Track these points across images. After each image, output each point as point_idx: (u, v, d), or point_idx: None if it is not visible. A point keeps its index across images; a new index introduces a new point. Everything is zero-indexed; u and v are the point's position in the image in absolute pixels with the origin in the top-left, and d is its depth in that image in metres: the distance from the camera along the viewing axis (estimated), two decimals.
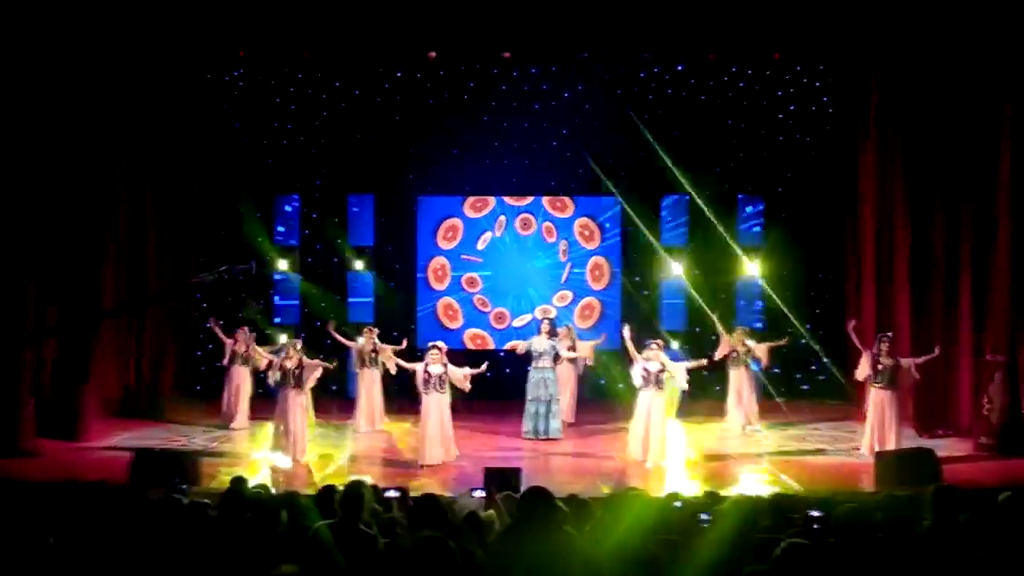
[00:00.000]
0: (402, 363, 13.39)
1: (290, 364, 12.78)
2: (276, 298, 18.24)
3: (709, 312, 15.91)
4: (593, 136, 17.78)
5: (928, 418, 14.11)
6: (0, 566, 5.30)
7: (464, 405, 13.59)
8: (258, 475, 11.59)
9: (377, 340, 14.95)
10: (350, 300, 18.17)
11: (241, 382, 15.06)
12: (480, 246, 18.43)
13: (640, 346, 12.97)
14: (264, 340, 15.17)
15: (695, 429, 15.11)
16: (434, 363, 12.65)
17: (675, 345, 17.31)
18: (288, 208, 18.32)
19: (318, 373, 12.98)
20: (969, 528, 6.06)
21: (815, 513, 6.67)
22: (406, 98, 17.75)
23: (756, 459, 13.14)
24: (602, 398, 16.21)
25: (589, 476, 12.16)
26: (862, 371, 12.95)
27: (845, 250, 17.31)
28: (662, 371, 12.67)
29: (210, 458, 12.42)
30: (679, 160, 17.83)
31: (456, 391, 12.95)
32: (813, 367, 18.02)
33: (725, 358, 15.28)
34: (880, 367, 12.67)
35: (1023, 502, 6.48)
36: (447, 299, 18.48)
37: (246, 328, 15.20)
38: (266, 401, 13.77)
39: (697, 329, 17.73)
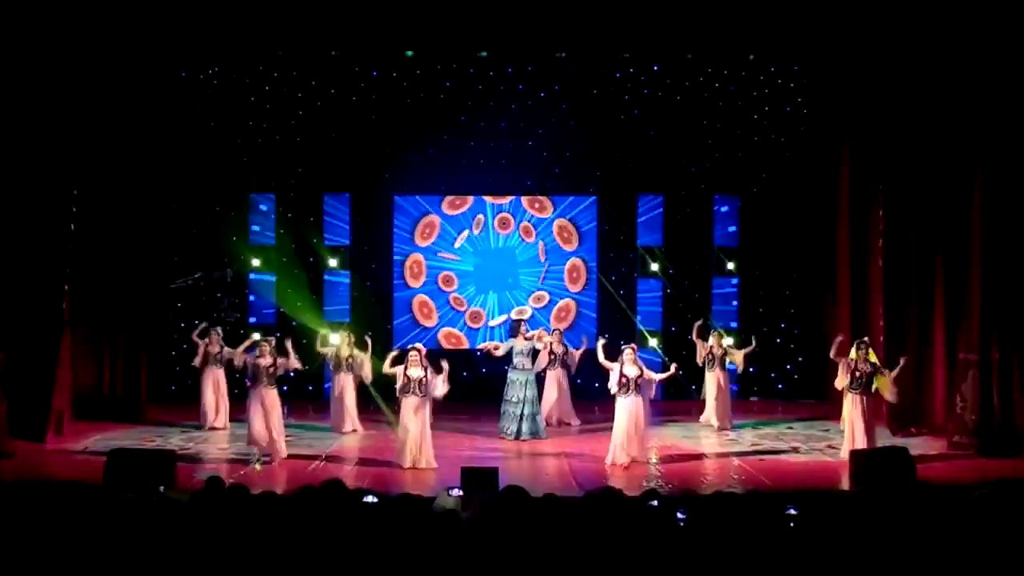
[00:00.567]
0: (386, 370, 13.17)
1: (264, 362, 12.77)
2: (251, 297, 18.15)
3: (702, 320, 15.90)
4: (570, 136, 17.84)
5: (902, 417, 14.20)
6: None
7: (441, 406, 13.53)
8: (235, 474, 11.55)
9: (354, 348, 14.90)
10: (326, 299, 18.13)
11: (217, 383, 15.00)
12: (457, 244, 18.42)
13: (613, 354, 12.96)
14: (237, 340, 15.08)
15: (671, 429, 15.17)
16: (413, 366, 12.57)
17: (653, 343, 17.42)
18: (263, 207, 18.24)
19: (294, 365, 13.03)
20: (942, 525, 6.10)
21: (791, 511, 6.69)
22: (382, 97, 17.71)
23: (732, 458, 13.18)
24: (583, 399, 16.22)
25: (566, 476, 12.17)
26: (841, 380, 12.87)
27: (820, 249, 17.40)
28: (640, 376, 12.64)
29: (186, 458, 12.37)
30: (655, 159, 17.93)
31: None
32: (788, 367, 18.16)
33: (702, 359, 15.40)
34: (858, 374, 12.70)
35: (996, 499, 6.53)
36: (422, 296, 18.45)
37: (218, 329, 15.17)
38: (242, 402, 13.70)
39: (673, 328, 17.83)
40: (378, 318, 17.75)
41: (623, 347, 12.91)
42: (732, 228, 18.38)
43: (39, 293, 14.01)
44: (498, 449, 13.69)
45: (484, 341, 17.54)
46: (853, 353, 12.68)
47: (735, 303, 18.33)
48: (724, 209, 18.37)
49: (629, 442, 12.53)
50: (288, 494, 8.06)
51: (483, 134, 17.94)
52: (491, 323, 18.32)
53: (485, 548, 5.39)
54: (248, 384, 12.91)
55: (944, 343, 13.91)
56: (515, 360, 14.54)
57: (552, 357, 15.16)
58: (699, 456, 13.52)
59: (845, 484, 11.42)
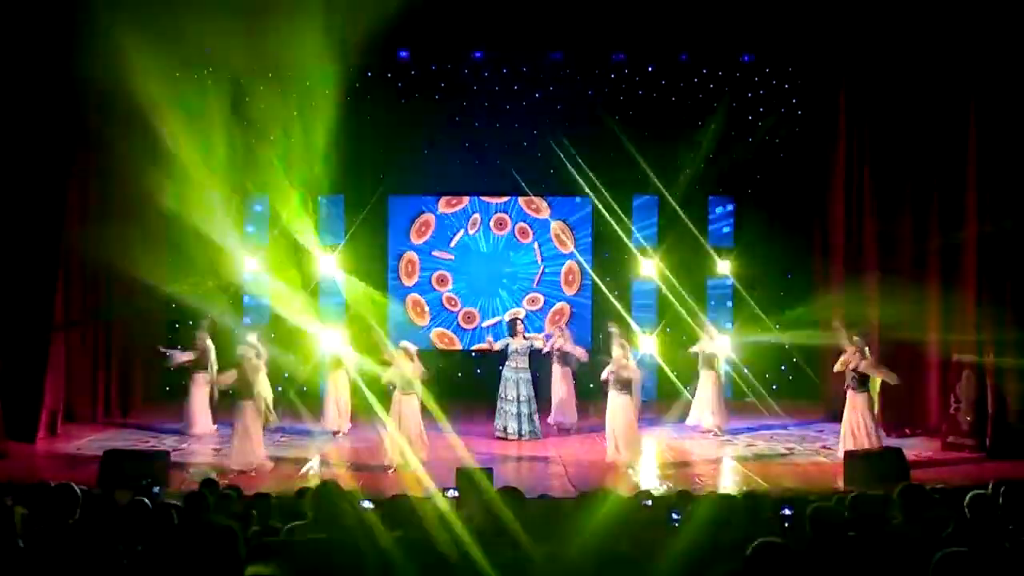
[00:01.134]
0: (380, 373, 13.20)
1: (246, 366, 12.75)
2: (245, 298, 18.12)
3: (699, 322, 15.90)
4: (564, 136, 17.82)
5: (896, 417, 14.22)
6: None
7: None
8: (229, 476, 11.53)
9: (344, 345, 14.91)
10: (320, 300, 18.10)
11: (203, 388, 14.90)
12: (452, 243, 18.40)
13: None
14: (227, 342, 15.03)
15: (666, 429, 15.17)
16: (401, 363, 12.60)
17: (649, 343, 17.39)
18: (258, 208, 18.20)
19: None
20: (936, 526, 6.11)
21: (786, 511, 6.71)
22: (376, 98, 17.68)
23: (727, 459, 13.19)
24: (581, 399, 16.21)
25: (560, 477, 12.17)
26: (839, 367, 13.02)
27: (815, 250, 17.41)
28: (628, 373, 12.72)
29: (179, 460, 12.35)
30: (650, 160, 17.91)
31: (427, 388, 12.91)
32: (782, 367, 18.17)
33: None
34: (853, 372, 12.76)
35: (990, 500, 6.54)
36: (415, 295, 18.43)
37: (204, 334, 15.10)
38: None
39: (668, 329, 17.82)
40: (373, 318, 17.72)
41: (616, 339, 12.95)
42: (727, 229, 18.37)
43: (31, 294, 13.98)
44: (493, 449, 13.68)
45: (476, 342, 17.56)
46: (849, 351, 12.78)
47: (729, 304, 18.34)
48: (719, 210, 18.37)
49: (620, 439, 12.58)
50: (282, 496, 8.07)
51: (478, 135, 17.93)
52: (484, 324, 18.29)
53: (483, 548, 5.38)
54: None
55: (938, 344, 13.92)
56: (511, 359, 14.53)
57: (559, 353, 15.18)
58: (693, 456, 13.53)
59: (840, 485, 11.41)
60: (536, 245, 18.42)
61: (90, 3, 13.94)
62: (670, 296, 17.85)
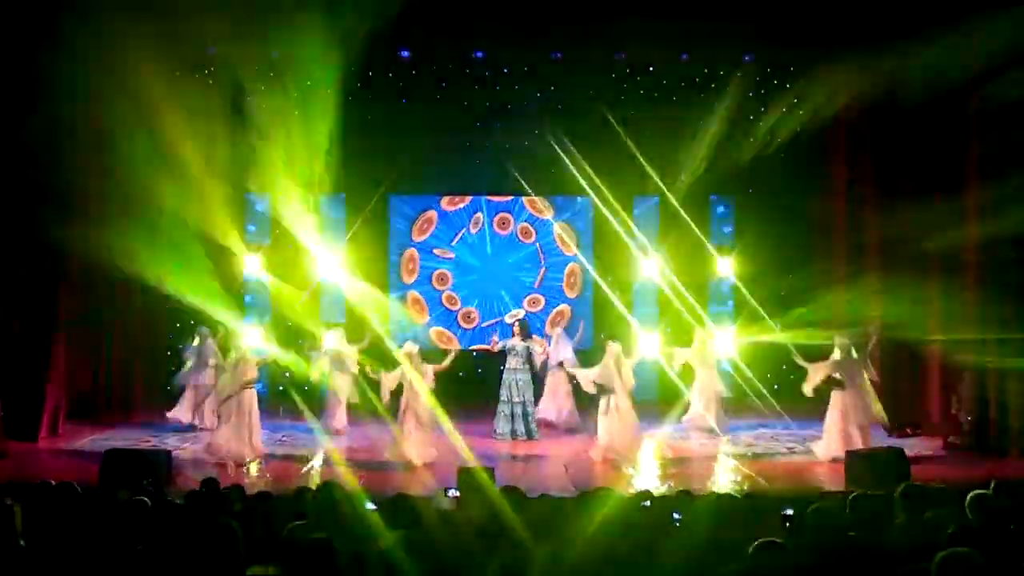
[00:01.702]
0: (383, 380, 13.25)
1: (251, 376, 12.83)
2: (247, 298, 18.12)
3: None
4: (565, 136, 17.82)
5: (898, 418, 14.22)
6: None
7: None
8: (229, 476, 11.53)
9: (345, 343, 14.93)
10: (321, 300, 18.10)
11: (207, 384, 14.93)
12: (454, 242, 18.39)
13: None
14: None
15: (666, 429, 15.17)
16: (409, 365, 12.64)
17: (649, 342, 17.38)
18: (259, 207, 18.20)
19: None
20: (938, 526, 6.11)
21: (788, 512, 6.71)
22: (377, 97, 17.69)
23: (727, 459, 13.19)
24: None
25: (561, 476, 12.17)
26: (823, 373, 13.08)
27: (815, 250, 17.39)
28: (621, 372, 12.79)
29: (181, 459, 12.36)
30: (651, 160, 17.91)
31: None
32: (783, 367, 18.14)
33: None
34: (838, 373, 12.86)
35: (991, 500, 6.54)
36: (415, 293, 18.42)
37: (207, 330, 15.11)
38: None
39: (669, 329, 17.81)
40: (374, 318, 17.74)
41: (608, 344, 12.96)
42: (728, 229, 18.36)
43: (33, 294, 13.99)
44: (494, 449, 13.68)
45: (475, 342, 17.57)
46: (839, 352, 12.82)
47: (730, 304, 18.33)
48: (720, 210, 18.35)
49: (614, 438, 12.60)
50: (283, 495, 8.07)
51: (479, 135, 17.93)
52: (483, 324, 18.29)
53: (482, 548, 5.39)
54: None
55: (940, 344, 13.91)
56: (511, 360, 14.54)
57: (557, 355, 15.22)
58: (693, 457, 13.53)
59: (841, 485, 11.40)
60: (539, 246, 18.40)
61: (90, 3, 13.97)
62: (671, 296, 17.86)
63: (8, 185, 13.75)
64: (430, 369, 12.92)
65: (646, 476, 12.19)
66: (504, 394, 14.40)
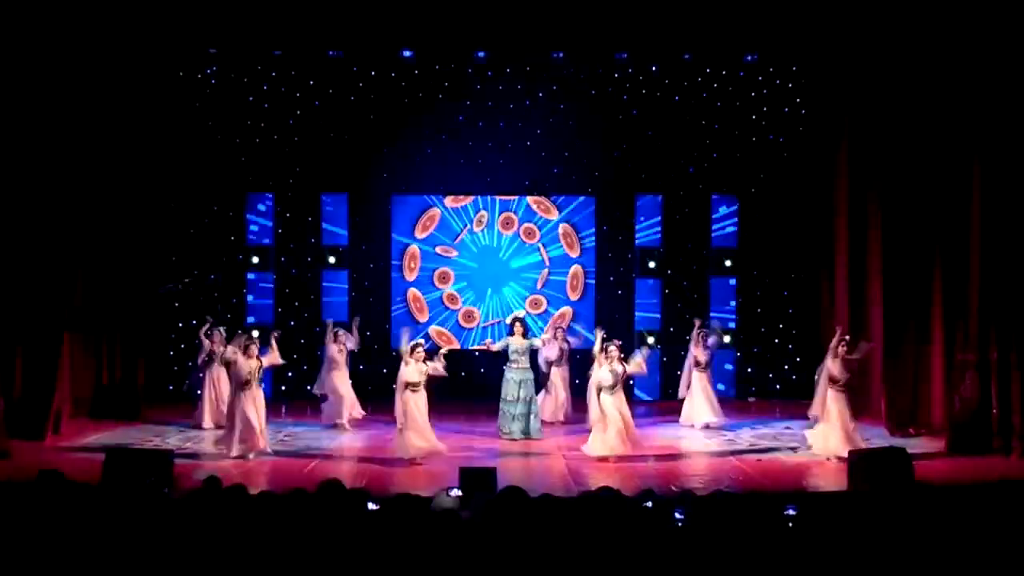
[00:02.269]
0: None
1: (253, 364, 12.81)
2: (249, 297, 18.14)
3: (700, 322, 15.84)
4: (568, 136, 17.86)
5: (899, 417, 14.21)
6: None
7: (438, 403, 13.52)
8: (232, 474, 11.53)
9: (342, 337, 14.96)
10: (324, 300, 18.12)
11: (218, 382, 14.94)
12: (456, 240, 18.37)
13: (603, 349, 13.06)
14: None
15: (668, 429, 15.18)
16: (414, 362, 12.64)
17: (651, 340, 17.43)
18: (261, 207, 18.23)
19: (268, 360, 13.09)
20: (940, 526, 6.11)
21: (790, 511, 6.70)
22: (380, 97, 17.73)
23: (729, 458, 13.18)
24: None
25: (563, 476, 12.17)
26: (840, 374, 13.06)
27: (818, 250, 17.40)
28: (622, 373, 12.78)
29: (184, 458, 12.36)
30: (653, 160, 17.94)
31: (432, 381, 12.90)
32: (785, 367, 18.17)
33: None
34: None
35: (994, 500, 6.54)
36: (415, 291, 18.40)
37: (221, 329, 15.13)
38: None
39: (671, 328, 17.84)
40: (376, 317, 17.77)
41: (607, 346, 12.94)
42: (730, 228, 18.37)
43: (42, 292, 14.01)
44: (496, 449, 13.67)
45: (475, 342, 17.55)
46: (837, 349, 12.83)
47: (733, 303, 18.35)
48: (723, 210, 18.37)
49: (614, 439, 12.60)
50: (286, 493, 8.06)
51: (481, 134, 17.97)
52: (484, 324, 18.27)
53: (484, 548, 5.39)
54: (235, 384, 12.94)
55: (942, 343, 13.90)
56: (512, 359, 14.53)
57: (560, 353, 15.17)
58: (696, 456, 13.53)
59: (843, 485, 11.39)
60: (542, 247, 18.38)
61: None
62: (673, 296, 17.90)
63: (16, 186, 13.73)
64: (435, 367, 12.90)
65: (648, 476, 12.16)
66: (507, 394, 14.38)
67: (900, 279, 14.42)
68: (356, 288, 18.18)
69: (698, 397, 15.22)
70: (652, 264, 18.12)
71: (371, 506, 6.84)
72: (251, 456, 12.59)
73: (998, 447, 12.95)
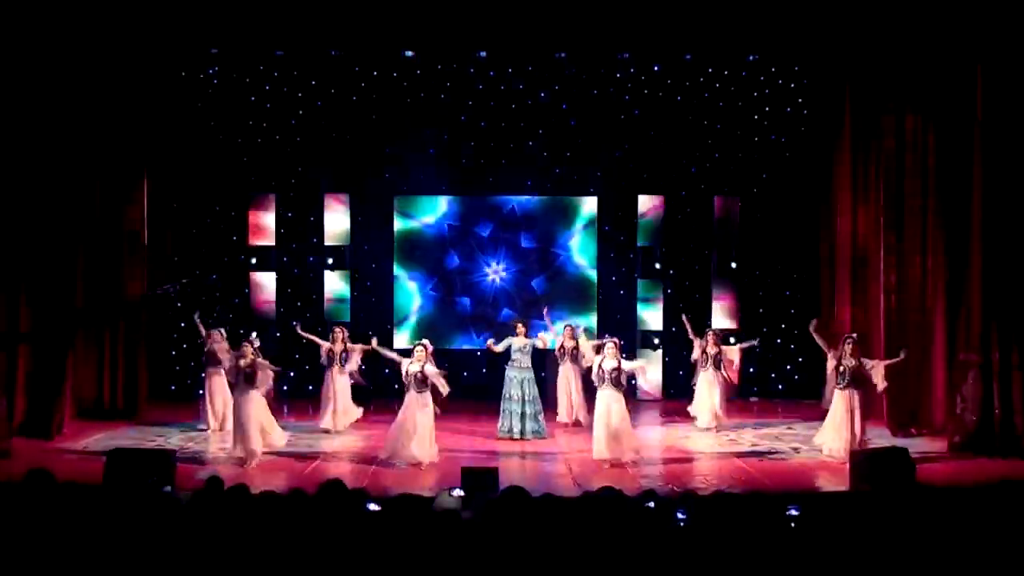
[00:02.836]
0: (387, 352, 13.33)
1: (243, 362, 12.69)
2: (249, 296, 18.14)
3: (683, 316, 15.84)
4: (570, 136, 17.88)
5: (901, 417, 14.20)
6: None
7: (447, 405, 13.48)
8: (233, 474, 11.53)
9: (348, 341, 14.90)
10: (326, 300, 18.11)
11: (217, 385, 14.90)
12: (457, 239, 18.35)
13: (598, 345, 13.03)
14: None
15: (671, 429, 15.18)
16: (415, 361, 12.57)
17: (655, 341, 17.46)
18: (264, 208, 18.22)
19: (270, 376, 12.83)
20: (941, 526, 6.11)
21: (792, 511, 6.69)
22: (382, 97, 17.74)
23: (732, 459, 13.17)
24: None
25: (565, 476, 12.16)
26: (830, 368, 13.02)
27: (820, 250, 17.41)
28: (616, 370, 12.56)
29: (186, 458, 12.37)
30: (655, 160, 17.96)
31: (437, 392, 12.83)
32: (788, 367, 18.17)
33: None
34: (842, 368, 12.75)
35: (996, 500, 6.54)
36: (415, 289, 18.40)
37: (221, 329, 15.10)
38: None
39: (673, 328, 17.83)
40: (378, 318, 17.77)
41: (606, 340, 12.91)
42: (731, 227, 18.35)
43: (50, 291, 14.03)
44: (498, 449, 13.66)
45: (479, 344, 17.55)
46: (841, 348, 12.78)
47: (735, 303, 18.32)
48: (723, 208, 18.36)
49: (608, 438, 12.48)
50: (288, 493, 8.06)
51: (483, 135, 17.97)
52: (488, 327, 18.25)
53: (485, 549, 5.39)
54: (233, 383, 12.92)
55: (944, 343, 13.89)
56: (514, 358, 14.52)
57: (562, 351, 15.15)
58: (698, 456, 13.52)
59: (845, 485, 11.38)
60: (544, 247, 18.36)
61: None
62: (676, 296, 17.89)
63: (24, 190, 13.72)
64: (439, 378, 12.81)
65: (650, 476, 12.16)
66: (509, 393, 14.36)
67: (902, 278, 14.40)
68: (357, 288, 18.17)
69: (697, 396, 15.15)
70: (656, 263, 18.08)
71: (372, 506, 6.83)
72: (253, 463, 12.46)
73: (1000, 448, 12.93)
